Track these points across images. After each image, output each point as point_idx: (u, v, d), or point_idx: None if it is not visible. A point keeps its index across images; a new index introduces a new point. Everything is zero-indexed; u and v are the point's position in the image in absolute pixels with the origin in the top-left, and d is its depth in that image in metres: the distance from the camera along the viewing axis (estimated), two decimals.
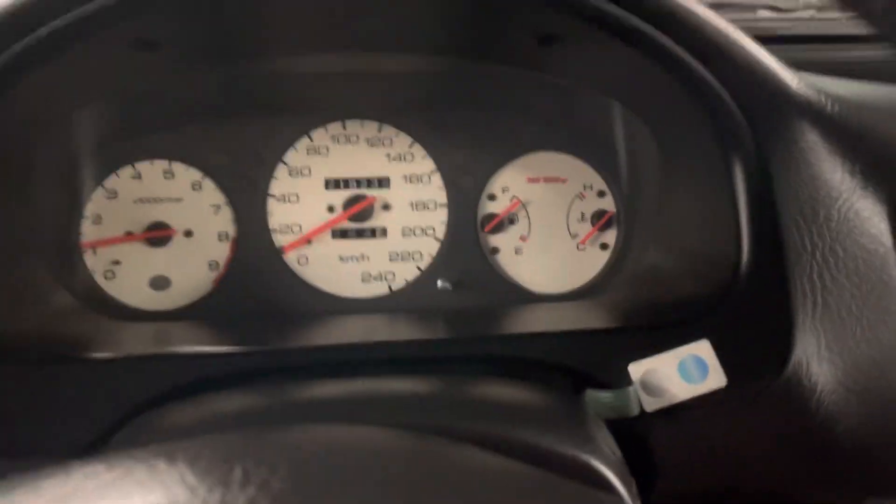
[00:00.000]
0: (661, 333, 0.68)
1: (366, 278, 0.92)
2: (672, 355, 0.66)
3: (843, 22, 1.11)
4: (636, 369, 0.66)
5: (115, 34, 0.61)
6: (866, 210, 0.64)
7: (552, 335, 0.70)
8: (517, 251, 0.94)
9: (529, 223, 0.94)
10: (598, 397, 0.65)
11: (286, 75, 0.82)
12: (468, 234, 0.93)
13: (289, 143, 0.90)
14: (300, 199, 0.90)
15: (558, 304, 0.89)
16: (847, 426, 0.64)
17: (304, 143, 0.90)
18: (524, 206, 0.94)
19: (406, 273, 0.92)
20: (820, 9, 1.21)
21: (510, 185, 0.93)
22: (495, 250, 0.94)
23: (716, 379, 0.66)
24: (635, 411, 0.64)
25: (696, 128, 0.70)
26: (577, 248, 0.94)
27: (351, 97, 0.88)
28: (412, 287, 0.92)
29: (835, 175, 0.65)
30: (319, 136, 0.90)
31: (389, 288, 0.92)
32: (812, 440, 0.65)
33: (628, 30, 0.63)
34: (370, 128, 0.91)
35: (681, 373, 0.66)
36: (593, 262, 0.94)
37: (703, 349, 0.67)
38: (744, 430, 0.66)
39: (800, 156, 0.66)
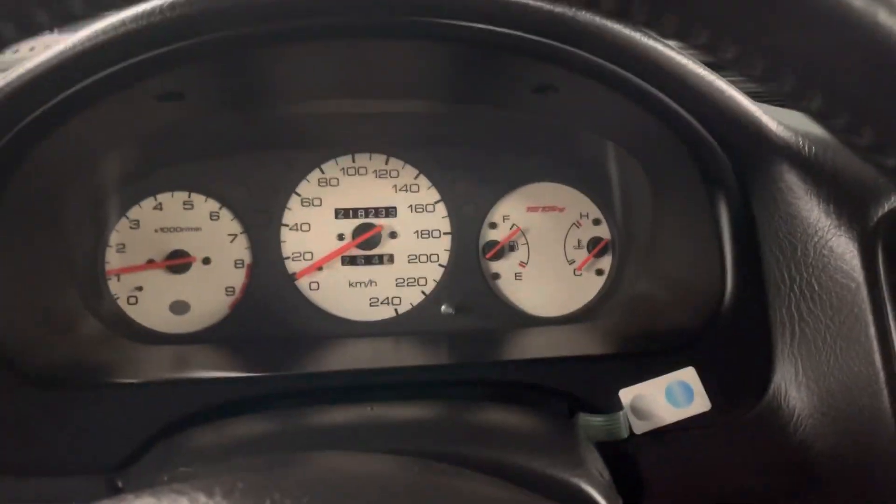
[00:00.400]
0: (649, 360, 0.73)
1: (373, 303, 0.97)
2: (660, 381, 0.71)
3: None
4: (626, 394, 0.71)
5: (143, 88, 0.67)
6: (840, 247, 0.69)
7: (549, 361, 0.75)
8: (517, 276, 0.99)
9: (529, 250, 0.99)
10: (590, 421, 0.70)
11: (300, 117, 0.87)
12: (470, 260, 0.98)
13: (301, 175, 0.95)
14: (312, 228, 0.96)
15: (556, 327, 0.94)
16: (822, 447, 0.69)
17: (315, 175, 0.95)
18: (524, 233, 0.99)
19: (411, 297, 0.97)
20: None
21: (510, 213, 0.99)
22: (496, 276, 0.99)
23: (701, 403, 0.71)
24: (625, 434, 0.69)
25: (684, 168, 0.75)
26: (574, 273, 0.99)
27: (360, 134, 0.94)
28: (417, 311, 0.97)
29: (811, 213, 0.70)
30: (330, 168, 0.96)
31: (396, 312, 0.97)
32: (791, 460, 0.70)
33: (616, 80, 0.68)
34: (378, 160, 0.96)
35: (668, 398, 0.71)
36: (589, 286, 0.99)
37: (688, 375, 0.72)
38: (727, 451, 0.71)
39: (779, 195, 0.71)
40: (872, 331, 0.66)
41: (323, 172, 0.96)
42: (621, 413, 0.70)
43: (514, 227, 0.99)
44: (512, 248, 0.99)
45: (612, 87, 0.69)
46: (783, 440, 0.70)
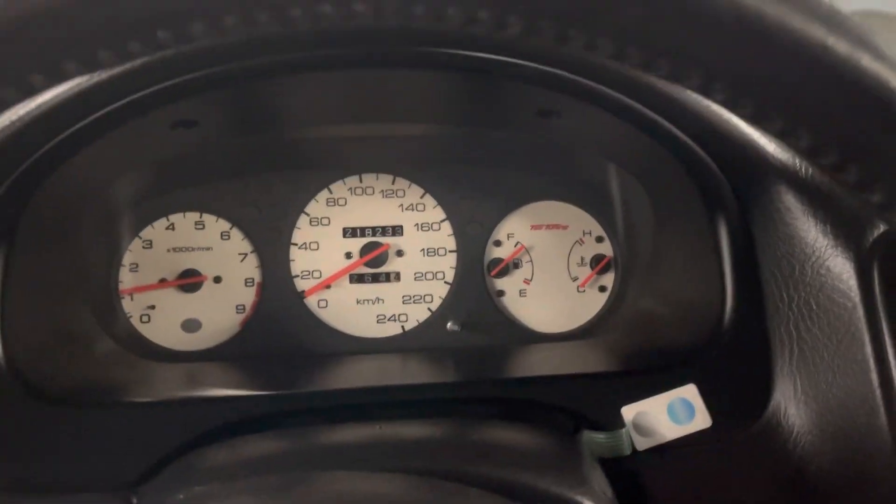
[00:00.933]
0: (651, 377, 0.74)
1: (381, 320, 0.99)
2: (662, 398, 0.73)
3: None
4: (629, 411, 0.72)
5: (157, 116, 0.69)
6: (837, 267, 0.70)
7: (553, 378, 0.77)
8: (521, 293, 1.01)
9: (533, 267, 1.01)
10: (593, 438, 0.71)
11: (309, 140, 0.89)
12: (475, 277, 0.99)
13: (310, 195, 0.97)
14: (320, 247, 0.98)
15: (560, 344, 0.96)
16: (821, 464, 0.70)
17: (324, 195, 0.97)
18: (528, 251, 1.01)
19: (418, 314, 0.99)
20: None
21: (515, 231, 1.00)
22: (501, 293, 1.01)
23: (702, 420, 0.72)
24: (628, 451, 0.71)
25: (684, 189, 0.77)
26: (578, 290, 1.01)
27: (367, 155, 0.96)
28: (423, 327, 0.99)
29: (808, 234, 0.72)
30: (338, 188, 0.98)
31: (402, 328, 0.99)
32: (789, 476, 0.71)
33: (618, 105, 0.70)
34: (385, 181, 0.99)
35: (669, 415, 0.72)
36: (592, 303, 1.01)
37: (690, 392, 0.73)
38: (727, 467, 0.72)
39: (777, 216, 0.73)
40: (869, 350, 0.67)
41: (331, 192, 0.98)
42: (624, 430, 0.71)
43: (519, 245, 1.00)
44: (516, 265, 1.01)
45: (614, 112, 0.71)
46: (782, 457, 0.71)
